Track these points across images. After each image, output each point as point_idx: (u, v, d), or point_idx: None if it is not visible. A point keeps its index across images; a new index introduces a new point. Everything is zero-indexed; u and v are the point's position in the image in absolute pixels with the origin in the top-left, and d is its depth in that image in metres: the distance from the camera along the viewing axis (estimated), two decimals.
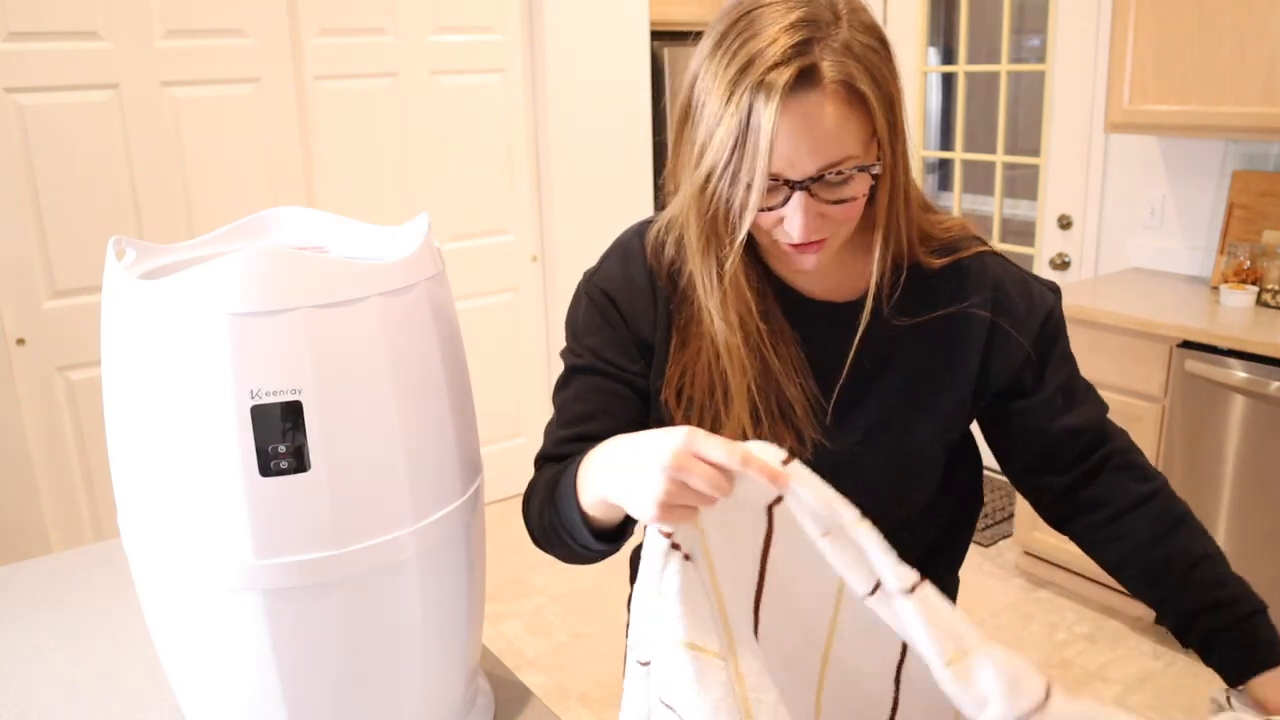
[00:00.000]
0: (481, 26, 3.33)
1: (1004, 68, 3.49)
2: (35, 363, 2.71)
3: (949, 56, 3.79)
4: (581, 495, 0.87)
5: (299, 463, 0.79)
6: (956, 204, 3.73)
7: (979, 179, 3.72)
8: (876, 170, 0.89)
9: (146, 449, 0.82)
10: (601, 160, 3.58)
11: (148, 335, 0.80)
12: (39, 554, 1.86)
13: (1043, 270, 3.46)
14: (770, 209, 0.89)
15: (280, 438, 0.78)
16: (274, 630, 0.83)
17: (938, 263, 1.01)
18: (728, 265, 0.93)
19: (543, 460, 1.04)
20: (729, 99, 0.85)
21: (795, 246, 0.92)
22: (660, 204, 1.02)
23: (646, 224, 1.07)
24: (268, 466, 0.79)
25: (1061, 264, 3.39)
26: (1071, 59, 3.24)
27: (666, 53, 3.69)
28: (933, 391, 1.03)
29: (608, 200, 3.61)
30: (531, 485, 1.03)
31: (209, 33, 2.82)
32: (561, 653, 2.76)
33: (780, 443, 0.93)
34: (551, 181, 3.50)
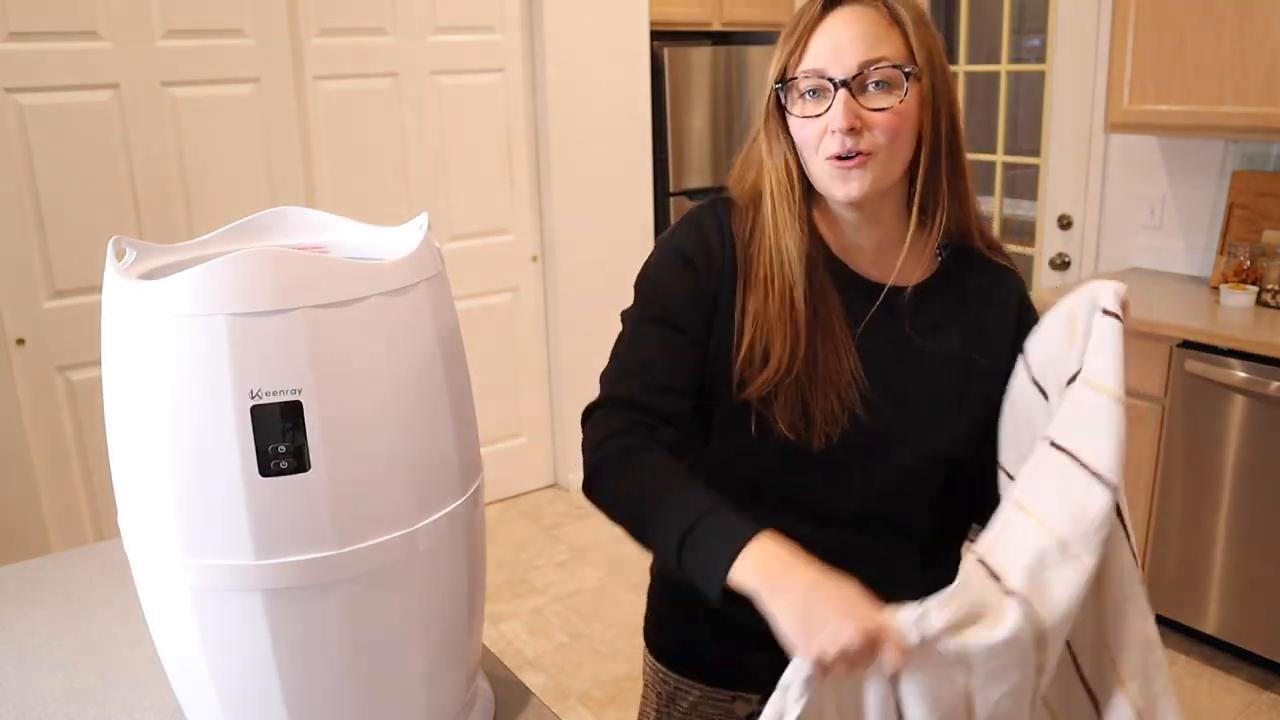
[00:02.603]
0: (481, 26, 3.33)
1: (1004, 68, 3.49)
2: (35, 363, 2.71)
3: (949, 56, 3.79)
4: (735, 577, 0.86)
5: (299, 463, 0.79)
6: None
7: (979, 179, 3.72)
8: (910, 69, 0.97)
9: (146, 449, 0.82)
10: (601, 160, 3.58)
11: (148, 335, 0.80)
12: (39, 554, 1.86)
13: (1043, 270, 3.46)
14: (818, 116, 0.98)
15: (280, 438, 0.78)
16: (274, 630, 0.83)
17: (988, 254, 1.09)
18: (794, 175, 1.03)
19: (613, 405, 1.04)
20: (787, 35, 1.00)
21: (841, 161, 0.97)
22: (670, 204, 1.06)
23: (719, 199, 1.12)
24: (268, 466, 0.79)
25: (1061, 264, 3.39)
26: (1071, 59, 3.24)
27: (666, 53, 3.69)
28: (964, 377, 1.06)
29: (608, 200, 3.61)
30: (610, 449, 1.00)
31: (209, 33, 2.82)
32: (561, 653, 2.76)
33: (823, 413, 1.02)
34: (551, 181, 3.50)
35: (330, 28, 3.04)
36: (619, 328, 1.11)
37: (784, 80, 1.00)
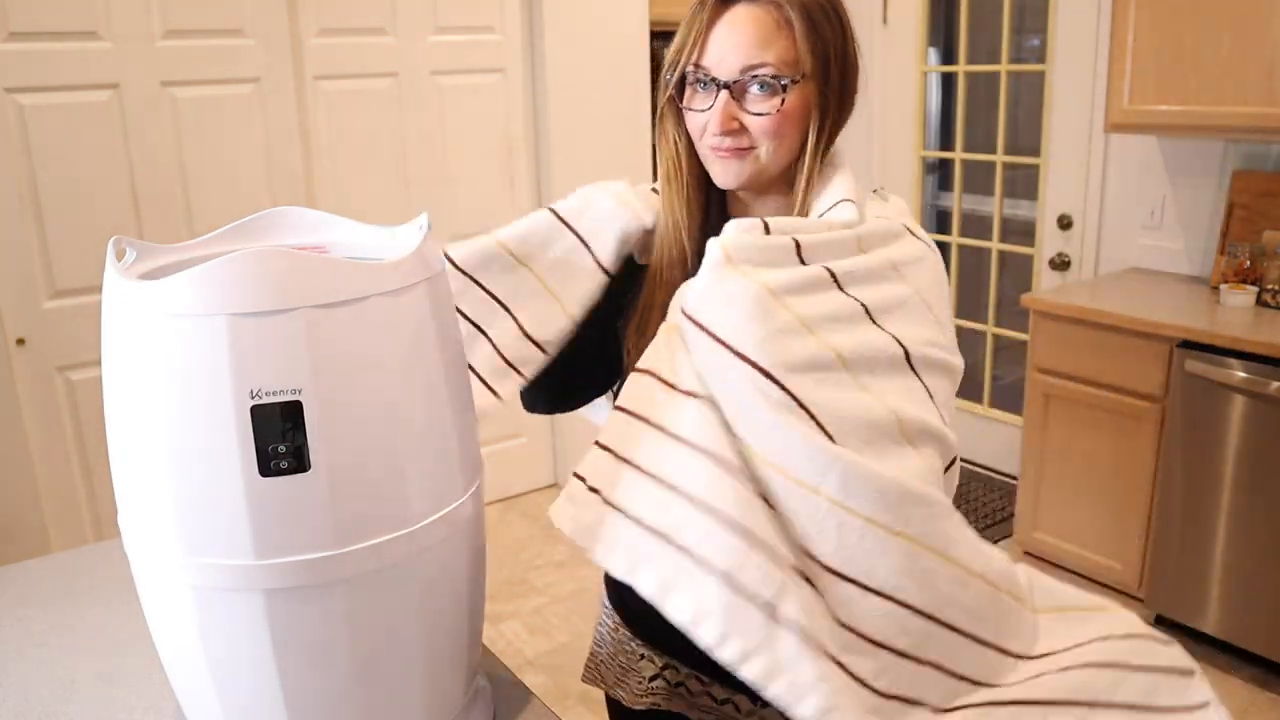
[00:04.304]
0: (481, 26, 3.33)
1: (1004, 68, 3.49)
2: (35, 363, 2.71)
3: (949, 56, 3.79)
4: None
5: (299, 463, 0.79)
6: (956, 204, 3.73)
7: (979, 179, 3.72)
8: (787, 81, 0.99)
9: (146, 449, 0.82)
10: (601, 160, 3.58)
11: (148, 335, 0.80)
12: (39, 554, 1.87)
13: (1043, 270, 3.46)
14: (702, 111, 1.03)
15: (280, 438, 0.78)
16: (274, 630, 0.83)
17: None
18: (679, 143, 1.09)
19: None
20: (685, 27, 1.05)
21: (720, 152, 1.03)
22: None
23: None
24: (268, 466, 0.79)
25: (1061, 264, 3.39)
26: (1071, 59, 3.24)
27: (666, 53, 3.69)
28: None
29: None
30: None
31: (209, 33, 2.83)
32: (561, 653, 2.76)
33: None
34: (551, 182, 3.50)
35: (330, 28, 3.04)
36: None
37: (679, 72, 1.04)
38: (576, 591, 3.04)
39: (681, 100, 1.06)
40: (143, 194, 2.80)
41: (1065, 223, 3.36)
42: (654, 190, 1.17)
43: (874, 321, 0.93)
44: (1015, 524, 3.10)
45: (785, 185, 1.07)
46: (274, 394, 0.78)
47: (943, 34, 3.79)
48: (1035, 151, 3.46)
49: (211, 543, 0.81)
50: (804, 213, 1.05)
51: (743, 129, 1.01)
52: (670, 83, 1.06)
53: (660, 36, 3.74)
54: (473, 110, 3.36)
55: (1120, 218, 3.22)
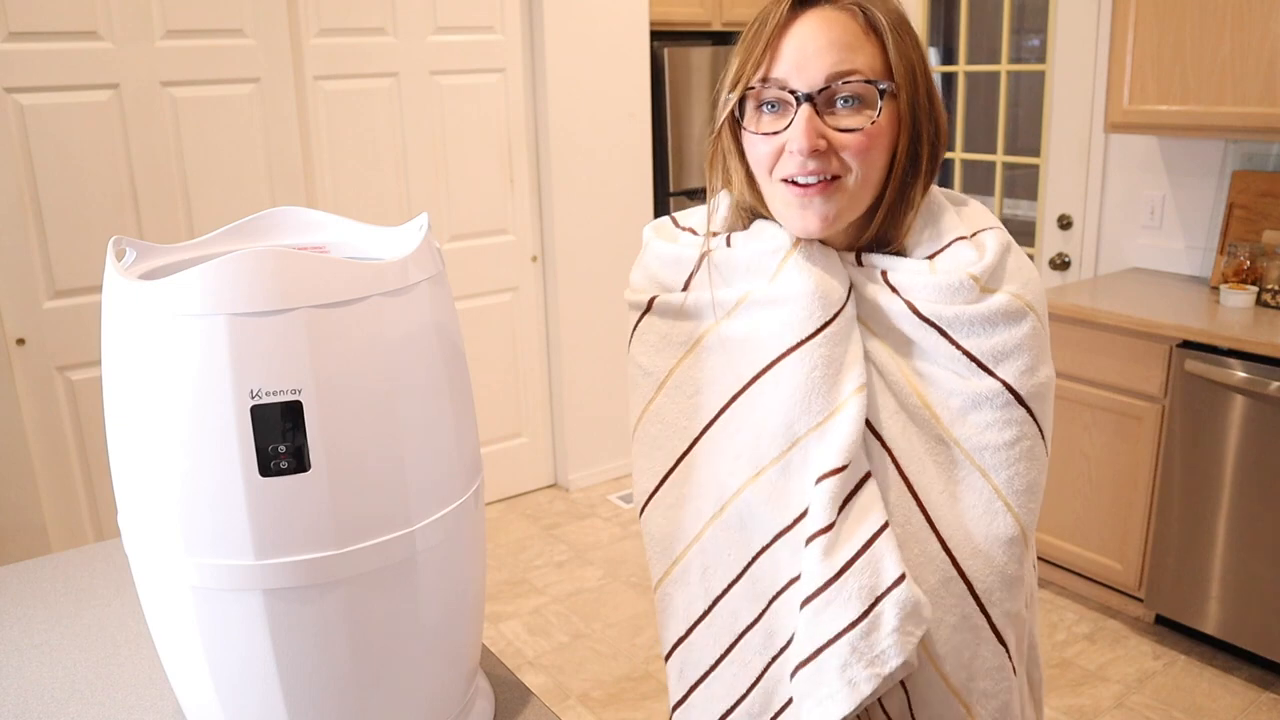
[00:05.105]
0: (481, 26, 3.33)
1: (1004, 68, 3.49)
2: (35, 363, 2.71)
3: (949, 56, 3.79)
4: None
5: (299, 463, 0.79)
6: None
7: (979, 179, 3.72)
8: (885, 86, 0.85)
9: (146, 449, 0.82)
10: (601, 160, 3.58)
11: (148, 335, 0.80)
12: (39, 554, 1.87)
13: (1043, 270, 3.46)
14: (775, 133, 0.86)
15: (280, 438, 0.78)
16: (274, 630, 0.83)
17: None
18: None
19: None
20: (750, 39, 0.88)
21: (801, 188, 0.86)
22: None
23: None
24: (268, 466, 0.79)
25: (1061, 264, 3.39)
26: (1071, 59, 3.24)
27: (666, 53, 3.69)
28: None
29: (608, 200, 3.61)
30: None
31: (209, 33, 2.83)
32: (561, 653, 2.76)
33: None
34: (551, 181, 3.50)
35: (330, 28, 3.04)
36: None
37: (741, 90, 0.87)
38: (576, 591, 3.04)
39: (742, 128, 0.89)
40: (143, 194, 2.80)
41: (1065, 223, 3.36)
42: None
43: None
44: None
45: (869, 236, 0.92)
46: (274, 394, 0.78)
47: (943, 34, 3.79)
48: (1035, 151, 3.46)
49: (211, 543, 0.81)
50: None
51: (830, 150, 0.84)
52: (729, 104, 0.88)
53: (660, 36, 3.74)
54: (473, 110, 3.36)
55: (1120, 218, 3.22)
